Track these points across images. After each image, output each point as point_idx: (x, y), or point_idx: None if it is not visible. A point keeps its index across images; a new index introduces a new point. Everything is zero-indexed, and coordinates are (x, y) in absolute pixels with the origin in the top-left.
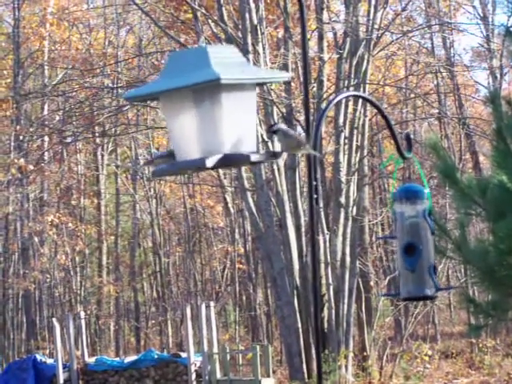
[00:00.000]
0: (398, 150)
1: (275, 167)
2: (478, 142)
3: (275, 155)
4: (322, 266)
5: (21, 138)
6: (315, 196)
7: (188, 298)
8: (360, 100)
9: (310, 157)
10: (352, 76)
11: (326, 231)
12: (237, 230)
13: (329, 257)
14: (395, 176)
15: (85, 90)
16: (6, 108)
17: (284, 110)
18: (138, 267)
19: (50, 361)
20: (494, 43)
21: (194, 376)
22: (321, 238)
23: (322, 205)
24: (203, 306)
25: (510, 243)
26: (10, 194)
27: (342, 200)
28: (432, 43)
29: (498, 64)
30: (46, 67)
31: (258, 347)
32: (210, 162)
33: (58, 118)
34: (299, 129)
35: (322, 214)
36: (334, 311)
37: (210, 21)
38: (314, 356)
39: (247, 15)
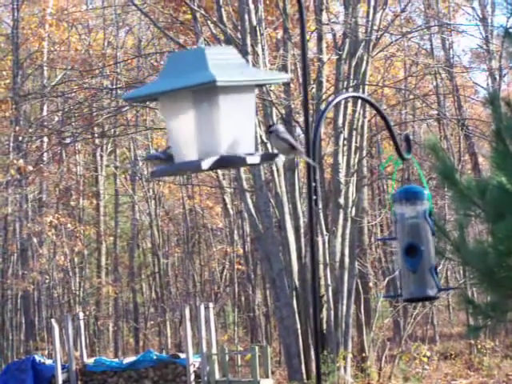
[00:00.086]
0: (398, 151)
1: (274, 168)
2: (477, 143)
3: (272, 157)
4: (321, 267)
5: (20, 138)
6: (314, 197)
7: (187, 298)
8: (359, 101)
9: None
10: (351, 77)
11: (324, 232)
12: (236, 231)
13: (328, 258)
14: (395, 177)
15: (84, 90)
16: (5, 109)
17: (283, 111)
18: (137, 268)
19: (48, 361)
20: (493, 44)
21: (192, 377)
22: (320, 239)
23: (321, 206)
24: (202, 307)
25: (510, 244)
26: (9, 195)
27: (341, 201)
28: (431, 44)
29: (497, 65)
30: (45, 68)
31: (256, 348)
32: (205, 164)
33: (57, 118)
34: (298, 130)
35: (321, 215)
36: (332, 312)
37: (209, 22)
38: (312, 357)
39: (246, 16)
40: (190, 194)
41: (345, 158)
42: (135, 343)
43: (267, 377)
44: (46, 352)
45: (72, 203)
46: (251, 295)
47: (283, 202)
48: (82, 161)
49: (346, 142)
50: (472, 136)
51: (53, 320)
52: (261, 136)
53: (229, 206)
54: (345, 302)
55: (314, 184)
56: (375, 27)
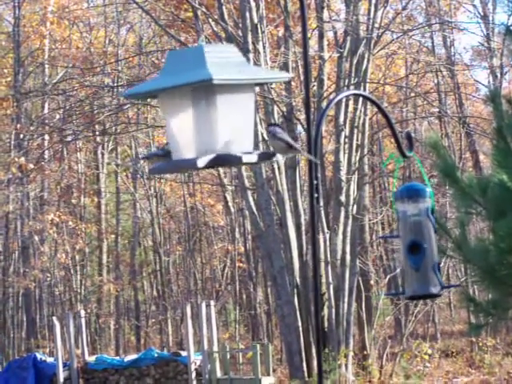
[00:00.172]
0: (399, 149)
1: (275, 166)
2: (479, 141)
3: (270, 157)
4: (322, 264)
5: (21, 136)
6: (316, 195)
7: (188, 296)
8: (360, 99)
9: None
10: (352, 75)
11: (326, 230)
12: (237, 229)
13: (329, 255)
14: (396, 175)
15: (85, 88)
16: (6, 106)
17: (284, 109)
18: (139, 266)
19: (50, 359)
20: (494, 42)
21: (194, 375)
22: (321, 236)
23: (322, 204)
24: (203, 305)
25: (511, 242)
26: (11, 193)
27: (343, 199)
28: (432, 42)
29: (499, 63)
30: (46, 66)
31: (258, 346)
32: (201, 162)
33: (58, 116)
34: (299, 128)
35: (323, 212)
36: (334, 310)
37: (210, 19)
38: (314, 355)
39: (247, 14)
40: (192, 192)
41: (346, 155)
42: (136, 341)
43: (268, 375)
44: (48, 350)
45: (73, 201)
46: (252, 293)
47: (284, 200)
48: (84, 159)
49: (347, 140)
50: (473, 134)
51: (54, 318)
52: (262, 134)
53: (230, 204)
54: (346, 299)
55: (315, 182)
56: (376, 25)
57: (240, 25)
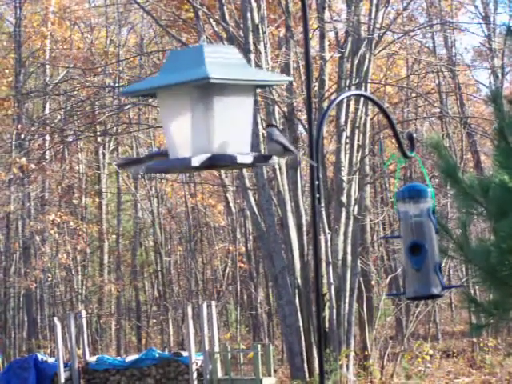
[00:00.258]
0: (401, 150)
1: (277, 167)
2: (480, 142)
3: (266, 159)
4: (324, 265)
5: (22, 136)
6: (317, 195)
7: (189, 297)
8: (361, 99)
9: (312, 156)
10: (353, 75)
11: (327, 230)
12: (238, 229)
13: (330, 256)
14: (398, 175)
15: (86, 88)
16: (7, 107)
17: (285, 110)
18: (140, 266)
19: (51, 360)
20: (495, 42)
21: (195, 375)
22: (322, 237)
23: (323, 204)
24: (204, 305)
25: None
26: (12, 193)
27: (344, 199)
28: (433, 42)
29: (500, 63)
30: (47, 66)
31: (259, 346)
32: (195, 161)
33: (59, 116)
34: (301, 128)
35: (324, 213)
36: (335, 310)
37: (211, 20)
38: (315, 355)
39: (249, 14)
40: (193, 192)
41: (347, 156)
42: (137, 341)
43: (269, 375)
44: (49, 350)
45: (74, 201)
46: (253, 293)
47: (285, 200)
48: (85, 159)
49: (348, 140)
50: (474, 134)
51: (55, 318)
52: (263, 134)
53: (231, 204)
54: (347, 300)
55: (316, 182)
56: (377, 25)
57: (241, 25)
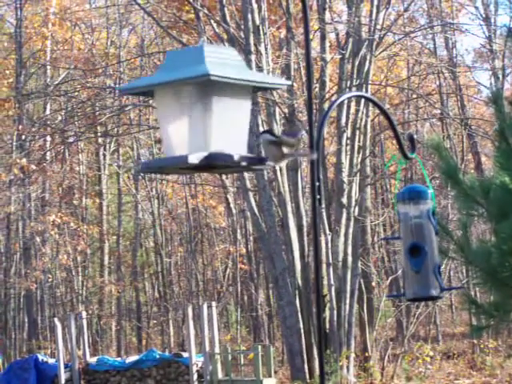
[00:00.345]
0: (401, 151)
1: (277, 168)
2: (480, 143)
3: (261, 161)
4: (324, 266)
5: (23, 137)
6: (318, 196)
7: (190, 298)
8: (362, 100)
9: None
10: (354, 76)
11: (327, 231)
12: (239, 231)
13: (331, 257)
14: (398, 177)
15: (87, 89)
16: (8, 108)
17: (286, 111)
18: (140, 267)
19: (51, 360)
20: (496, 44)
21: (195, 376)
22: (323, 238)
23: (323, 205)
24: (205, 306)
25: None
26: (12, 194)
27: (344, 200)
28: (434, 44)
29: (500, 65)
30: (48, 67)
31: (259, 347)
32: (192, 158)
33: (60, 117)
34: (301, 129)
35: (324, 214)
36: (335, 312)
37: (212, 21)
38: (315, 356)
39: (249, 15)
40: (193, 194)
41: (348, 157)
42: (138, 342)
43: (270, 376)
44: (49, 351)
45: (75, 202)
46: (254, 294)
47: (286, 202)
48: (85, 160)
49: (349, 142)
50: (475, 135)
51: (56, 319)
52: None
53: (232, 206)
54: (348, 301)
55: (317, 183)
56: (378, 26)
57: (242, 26)
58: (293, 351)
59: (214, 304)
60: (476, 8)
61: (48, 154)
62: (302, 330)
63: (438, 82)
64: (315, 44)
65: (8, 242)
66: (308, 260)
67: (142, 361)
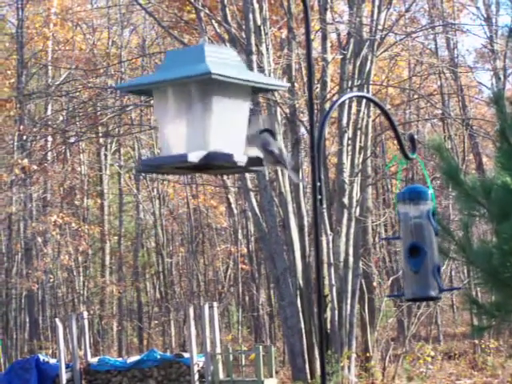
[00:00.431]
0: (402, 151)
1: (278, 168)
2: (482, 143)
3: (259, 163)
4: (325, 266)
5: (24, 138)
6: (319, 197)
7: (191, 298)
8: (363, 101)
9: (314, 157)
10: (355, 77)
11: (329, 232)
12: (240, 231)
13: (332, 257)
14: (399, 177)
15: (88, 90)
16: (9, 108)
17: (287, 111)
18: (141, 267)
19: (52, 361)
20: (497, 44)
21: (196, 376)
22: (324, 238)
23: (325, 205)
24: (206, 307)
25: None
26: (14, 194)
27: (346, 201)
28: (435, 44)
29: (502, 65)
30: (49, 67)
31: (260, 348)
32: (192, 157)
33: (61, 118)
34: (303, 129)
35: (325, 214)
36: (336, 312)
37: (213, 21)
38: (316, 356)
39: (251, 16)
40: (195, 194)
41: (349, 157)
42: (139, 342)
43: (271, 376)
44: (50, 351)
45: (76, 202)
46: (255, 295)
47: (287, 202)
48: (87, 160)
49: (350, 142)
50: (476, 136)
51: (57, 319)
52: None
53: (233, 206)
54: (349, 301)
55: (318, 183)
56: (380, 27)
57: (243, 26)
58: (294, 351)
59: (215, 304)
60: (477, 8)
61: (49, 154)
62: (304, 331)
63: (439, 83)
64: (316, 44)
65: (9, 243)
66: (309, 260)
67: (143, 361)
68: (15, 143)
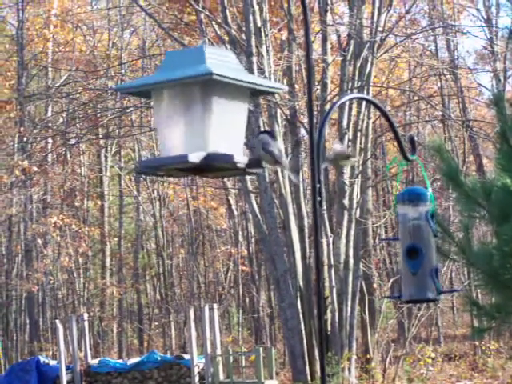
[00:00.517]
0: (402, 153)
1: (279, 169)
2: (482, 145)
3: (259, 164)
4: (326, 268)
5: (24, 139)
6: (319, 198)
7: (191, 299)
8: (364, 102)
9: (314, 159)
10: (356, 78)
11: (329, 233)
12: (240, 232)
13: (332, 259)
14: (399, 178)
15: (88, 91)
16: (9, 110)
17: (288, 113)
18: (142, 269)
19: (53, 362)
20: (497, 46)
21: (197, 378)
22: (324, 240)
23: (325, 207)
24: (206, 308)
25: None
26: (14, 196)
27: (346, 202)
28: (436, 46)
29: (502, 66)
30: (49, 69)
31: (261, 349)
32: (193, 158)
33: (61, 119)
34: (303, 131)
35: (326, 216)
36: (337, 313)
37: (213, 23)
38: (317, 358)
39: (251, 17)
40: (195, 195)
41: None
42: (139, 344)
43: (271, 378)
44: (51, 353)
45: (76, 204)
46: (255, 296)
47: (287, 203)
48: (87, 162)
49: (350, 144)
50: (476, 137)
51: (57, 321)
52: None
53: (233, 207)
54: (349, 303)
55: (318, 185)
56: (380, 28)
57: (243, 28)
58: (294, 353)
59: (215, 306)
60: (477, 10)
61: (49, 155)
62: (304, 332)
63: (439, 84)
64: (317, 46)
65: (10, 244)
66: (309, 262)
67: (144, 363)
68: (15, 145)
